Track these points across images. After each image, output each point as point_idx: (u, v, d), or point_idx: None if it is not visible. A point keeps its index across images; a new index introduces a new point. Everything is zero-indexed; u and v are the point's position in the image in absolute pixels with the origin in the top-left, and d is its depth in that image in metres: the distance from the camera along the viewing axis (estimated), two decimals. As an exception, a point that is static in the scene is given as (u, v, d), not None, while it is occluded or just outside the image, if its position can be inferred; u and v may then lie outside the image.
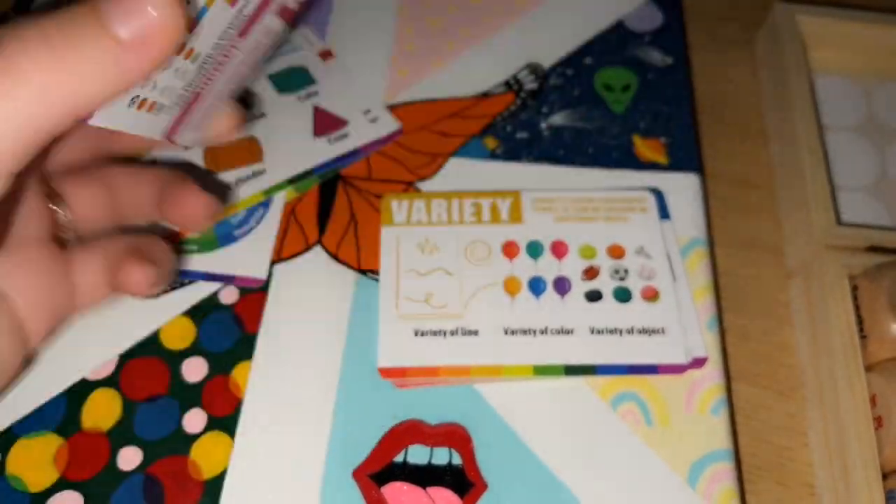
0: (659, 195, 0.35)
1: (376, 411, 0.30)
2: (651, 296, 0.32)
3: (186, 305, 0.32)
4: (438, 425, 0.29)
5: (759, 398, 0.34)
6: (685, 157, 0.36)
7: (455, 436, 0.29)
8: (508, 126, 0.37)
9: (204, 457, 0.29)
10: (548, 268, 0.32)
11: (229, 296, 0.32)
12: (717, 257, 0.37)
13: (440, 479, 0.28)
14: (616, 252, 0.33)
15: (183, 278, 0.32)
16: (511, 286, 0.32)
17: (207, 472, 0.28)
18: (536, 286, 0.32)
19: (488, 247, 0.32)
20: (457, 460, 0.29)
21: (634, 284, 0.32)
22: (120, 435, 0.29)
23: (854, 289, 0.33)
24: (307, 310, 0.32)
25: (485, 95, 0.38)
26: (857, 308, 0.32)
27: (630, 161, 0.36)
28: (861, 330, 0.32)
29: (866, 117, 0.40)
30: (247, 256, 0.33)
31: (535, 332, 0.31)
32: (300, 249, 0.33)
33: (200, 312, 0.32)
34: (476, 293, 0.31)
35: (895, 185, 0.38)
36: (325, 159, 0.35)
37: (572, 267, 0.32)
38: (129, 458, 0.28)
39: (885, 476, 0.29)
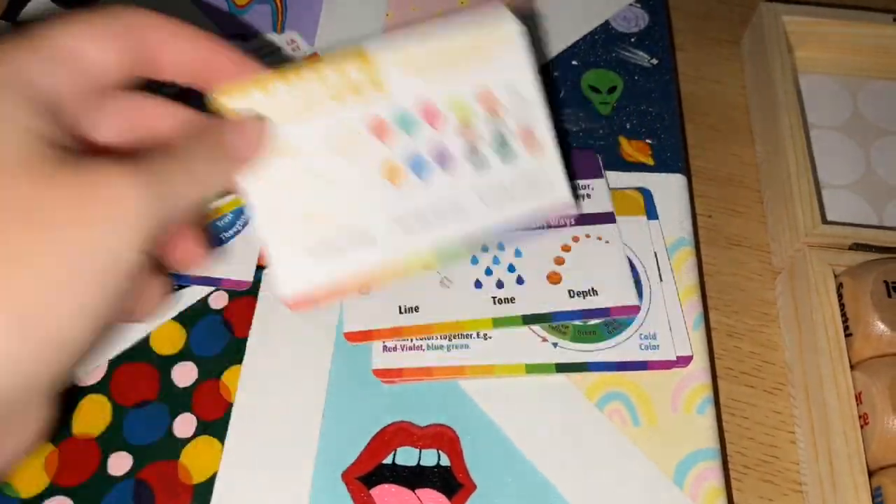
0: (647, 194, 0.35)
1: (365, 414, 0.30)
2: (529, 140, 0.28)
3: (176, 310, 0.32)
4: (427, 427, 0.30)
5: (746, 396, 0.34)
6: (671, 157, 0.36)
7: (443, 437, 0.29)
8: (495, 128, 0.37)
9: (194, 461, 0.29)
10: (426, 140, 0.28)
11: (219, 300, 0.32)
12: (703, 256, 0.37)
13: (429, 481, 0.29)
14: (487, 99, 0.28)
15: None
16: (392, 172, 0.27)
17: (197, 477, 0.28)
18: (418, 165, 0.28)
19: (354, 132, 0.27)
20: (445, 461, 0.29)
21: (511, 131, 0.28)
22: (110, 440, 0.29)
23: (839, 287, 0.33)
24: (296, 314, 0.32)
25: (472, 98, 0.38)
26: (842, 306, 0.33)
27: (616, 162, 0.36)
28: (846, 328, 0.32)
29: (851, 116, 0.41)
30: (234, 260, 0.33)
31: (427, 218, 0.27)
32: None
33: (190, 317, 0.32)
34: (355, 189, 0.27)
35: (880, 182, 0.38)
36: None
37: (449, 131, 0.28)
38: (120, 463, 0.29)
39: (871, 473, 0.29)
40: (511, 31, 0.28)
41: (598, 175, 0.35)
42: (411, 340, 0.31)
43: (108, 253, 0.21)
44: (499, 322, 0.31)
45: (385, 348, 0.31)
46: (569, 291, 0.32)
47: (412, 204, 0.27)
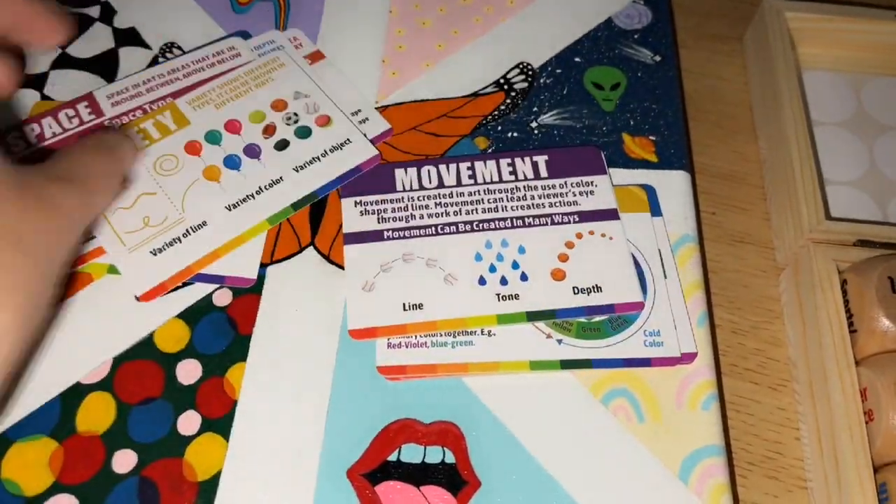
0: (651, 191, 0.35)
1: (370, 411, 0.30)
2: (324, 122, 0.36)
3: (180, 308, 0.32)
4: (431, 424, 0.30)
5: (750, 393, 0.34)
6: (675, 154, 0.36)
7: (448, 434, 0.29)
8: (499, 126, 0.37)
9: (198, 458, 0.29)
10: (233, 144, 0.35)
11: (223, 298, 0.32)
12: (706, 253, 0.37)
13: (434, 478, 0.29)
14: (279, 105, 0.37)
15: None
16: (211, 173, 0.34)
17: (202, 474, 0.28)
18: (232, 162, 0.35)
19: (174, 156, 0.35)
20: (450, 458, 0.29)
21: (308, 121, 0.36)
22: (114, 438, 0.29)
23: (843, 283, 0.33)
24: (301, 311, 0.32)
25: (475, 95, 0.38)
26: (846, 302, 0.33)
27: (620, 159, 0.36)
28: (851, 324, 0.32)
29: (854, 112, 0.41)
30: (237, 257, 0.33)
31: (252, 196, 0.34)
32: (293, 251, 0.34)
33: (194, 315, 0.32)
34: (184, 195, 0.34)
35: (884, 178, 0.38)
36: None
37: (252, 133, 0.36)
38: (124, 460, 0.29)
39: (876, 469, 0.29)
40: (280, 60, 0.38)
41: (602, 172, 0.35)
42: (415, 337, 0.31)
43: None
44: (503, 319, 0.31)
45: (389, 345, 0.31)
46: (573, 288, 0.32)
47: (236, 191, 0.34)
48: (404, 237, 0.33)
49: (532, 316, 0.31)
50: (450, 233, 0.33)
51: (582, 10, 0.42)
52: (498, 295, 0.32)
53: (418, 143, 0.37)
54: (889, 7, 0.41)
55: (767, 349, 0.35)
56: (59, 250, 0.27)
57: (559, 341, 0.31)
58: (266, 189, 0.34)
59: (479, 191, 0.35)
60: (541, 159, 0.35)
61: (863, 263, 0.33)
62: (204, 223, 0.33)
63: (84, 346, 0.31)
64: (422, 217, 0.34)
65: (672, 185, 0.36)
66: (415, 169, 0.35)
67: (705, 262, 0.36)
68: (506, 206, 0.34)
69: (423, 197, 0.34)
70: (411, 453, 0.29)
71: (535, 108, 0.38)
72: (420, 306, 0.31)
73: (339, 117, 0.36)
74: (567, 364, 0.31)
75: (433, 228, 0.34)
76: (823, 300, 0.32)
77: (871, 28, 0.41)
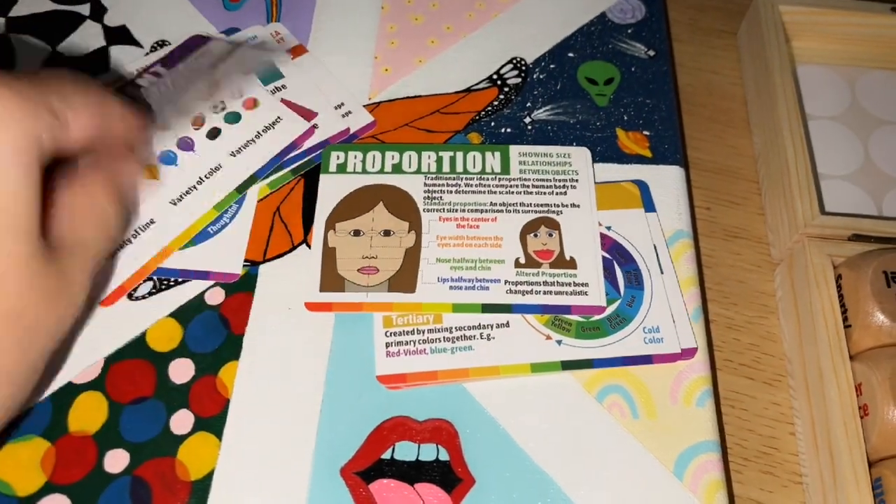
0: (643, 187, 0.35)
1: (363, 409, 0.30)
2: (251, 105, 0.37)
3: (173, 307, 0.32)
4: (425, 422, 0.30)
5: (745, 388, 0.34)
6: (669, 149, 0.36)
7: (442, 432, 0.29)
8: (492, 121, 0.37)
9: (191, 458, 0.29)
10: (164, 141, 0.36)
11: (216, 296, 0.32)
12: (701, 248, 0.37)
13: (428, 475, 0.29)
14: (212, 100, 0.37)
15: (160, 276, 0.32)
16: (151, 173, 0.35)
17: (195, 473, 0.28)
18: (167, 158, 0.35)
19: None
20: (444, 456, 0.29)
21: (235, 106, 0.37)
22: (107, 437, 0.29)
23: (838, 278, 0.33)
24: (293, 309, 0.32)
25: (468, 91, 0.38)
26: (841, 297, 0.32)
27: (614, 154, 0.36)
28: (845, 319, 0.32)
29: (849, 105, 0.40)
30: (221, 252, 0.33)
31: (194, 187, 0.34)
32: (286, 249, 0.33)
33: (187, 314, 0.32)
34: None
35: (878, 172, 0.38)
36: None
37: (182, 128, 0.36)
38: (117, 460, 0.28)
39: (871, 464, 0.29)
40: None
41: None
42: (414, 345, 0.31)
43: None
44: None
45: (388, 354, 0.31)
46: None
47: (177, 185, 0.34)
48: None
49: (567, 365, 0.31)
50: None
51: (575, 5, 0.41)
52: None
53: (411, 139, 0.36)
54: (883, 0, 0.41)
55: (762, 344, 0.35)
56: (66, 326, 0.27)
57: (559, 342, 0.31)
58: (206, 178, 0.35)
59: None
60: None
61: (857, 258, 0.33)
62: (151, 221, 0.34)
63: (76, 345, 0.31)
64: None
65: (666, 180, 0.35)
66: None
67: (700, 257, 0.36)
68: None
69: None
70: (405, 451, 0.29)
71: (528, 104, 0.38)
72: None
73: (265, 97, 0.37)
74: (568, 365, 0.31)
75: None
76: (818, 295, 0.32)
77: (865, 21, 0.41)
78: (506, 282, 0.32)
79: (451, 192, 0.34)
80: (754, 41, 0.41)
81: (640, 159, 0.36)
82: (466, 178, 0.35)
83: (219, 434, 0.29)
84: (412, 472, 0.29)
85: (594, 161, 0.36)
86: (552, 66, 0.39)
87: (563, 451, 0.29)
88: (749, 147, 0.40)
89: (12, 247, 0.24)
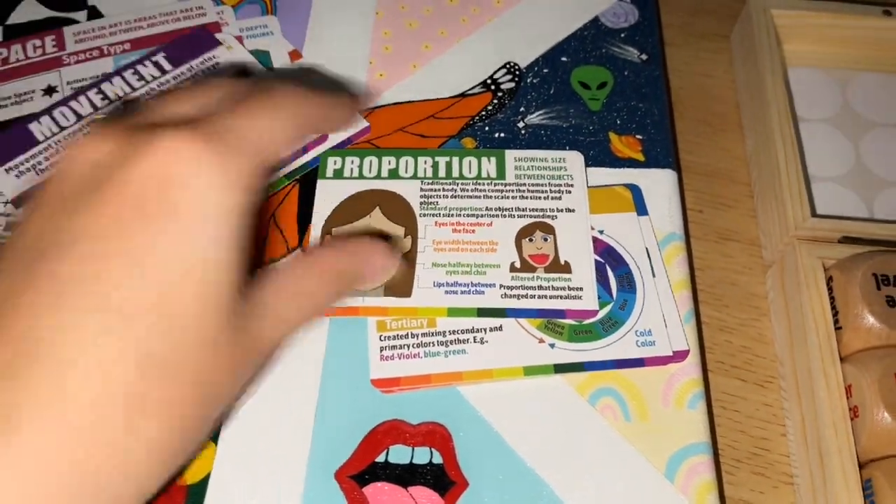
0: (636, 190, 0.35)
1: (357, 412, 0.30)
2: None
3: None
4: (419, 425, 0.30)
5: (737, 390, 0.34)
6: (661, 153, 0.37)
7: (436, 435, 0.30)
8: (486, 126, 0.37)
9: (187, 462, 0.29)
10: None
11: (211, 301, 0.32)
12: (693, 251, 0.37)
13: (421, 479, 0.29)
14: None
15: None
16: None
17: (191, 477, 0.29)
18: None
19: None
20: (438, 459, 0.29)
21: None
22: (104, 442, 0.29)
23: (829, 280, 0.33)
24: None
25: (462, 96, 0.38)
26: (832, 299, 0.33)
27: (606, 158, 0.36)
28: (836, 321, 0.32)
29: (841, 108, 0.41)
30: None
31: None
32: (281, 254, 0.34)
33: (182, 319, 0.32)
34: None
35: (869, 175, 0.39)
36: None
37: None
38: (114, 465, 0.29)
39: (861, 465, 0.30)
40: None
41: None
42: (408, 349, 0.31)
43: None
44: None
45: (382, 357, 0.31)
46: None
47: None
48: None
49: (559, 368, 0.31)
50: None
51: (568, 9, 0.42)
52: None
53: (405, 144, 0.37)
54: (875, 3, 0.41)
55: (754, 346, 0.35)
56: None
57: (551, 345, 0.31)
58: None
59: None
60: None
61: (848, 260, 0.33)
62: None
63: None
64: None
65: (659, 183, 0.36)
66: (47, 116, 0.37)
67: (692, 259, 0.37)
68: None
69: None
70: (399, 454, 0.29)
71: (521, 108, 0.38)
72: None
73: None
74: (561, 368, 0.31)
75: None
76: (809, 297, 0.33)
77: (857, 24, 0.41)
78: (501, 286, 0.32)
79: (448, 196, 0.35)
80: (746, 44, 0.41)
81: (632, 163, 0.36)
82: (462, 183, 0.35)
83: (214, 438, 0.29)
84: (406, 476, 0.29)
85: (587, 165, 0.36)
86: (545, 70, 0.39)
87: (555, 454, 0.29)
88: (741, 150, 0.41)
89: (209, 318, 0.22)
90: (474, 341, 0.31)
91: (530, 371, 0.31)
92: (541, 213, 0.34)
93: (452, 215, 0.34)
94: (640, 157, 0.36)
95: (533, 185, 0.35)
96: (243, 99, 0.25)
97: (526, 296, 0.32)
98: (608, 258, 0.33)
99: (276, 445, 0.29)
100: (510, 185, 0.35)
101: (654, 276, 0.33)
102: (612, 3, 0.42)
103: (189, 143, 0.22)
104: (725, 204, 0.39)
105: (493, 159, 0.36)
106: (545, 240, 0.33)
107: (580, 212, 0.34)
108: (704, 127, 0.41)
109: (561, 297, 0.32)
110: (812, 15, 0.41)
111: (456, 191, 0.35)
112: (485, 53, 0.40)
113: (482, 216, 0.34)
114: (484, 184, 0.35)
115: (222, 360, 0.22)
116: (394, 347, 0.31)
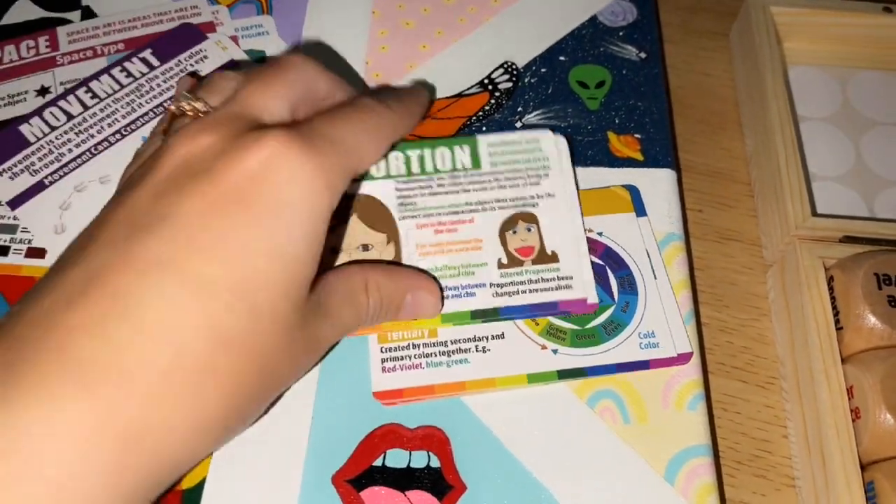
0: (634, 191, 0.35)
1: (354, 416, 0.30)
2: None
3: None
4: (416, 429, 0.30)
5: (738, 391, 0.34)
6: (660, 152, 0.36)
7: (433, 439, 0.29)
8: (484, 126, 0.37)
9: (182, 467, 0.29)
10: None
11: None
12: (693, 251, 0.37)
13: (419, 482, 0.29)
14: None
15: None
16: None
17: (186, 482, 0.28)
18: None
19: None
20: (435, 463, 0.29)
21: None
22: (98, 447, 0.29)
23: (830, 280, 0.33)
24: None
25: (460, 96, 0.38)
26: (833, 299, 0.32)
27: (605, 158, 0.36)
28: (837, 321, 0.32)
29: (841, 106, 0.40)
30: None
31: None
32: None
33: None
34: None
35: (870, 174, 0.38)
36: None
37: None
38: (108, 470, 0.28)
39: (863, 467, 0.29)
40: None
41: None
42: (410, 360, 0.31)
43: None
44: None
45: (384, 370, 0.30)
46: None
47: None
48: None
49: (563, 374, 0.31)
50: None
51: (566, 8, 0.41)
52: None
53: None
54: (875, 0, 0.41)
55: (755, 347, 0.35)
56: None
57: (554, 351, 0.31)
58: None
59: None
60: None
61: (849, 260, 0.33)
62: None
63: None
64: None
65: (658, 183, 0.35)
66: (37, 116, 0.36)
67: (692, 259, 0.36)
68: None
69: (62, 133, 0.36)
70: (396, 458, 0.29)
71: (519, 108, 0.38)
72: None
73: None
74: (564, 374, 0.30)
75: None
76: (809, 298, 0.32)
77: (857, 21, 0.41)
78: (491, 285, 0.31)
79: (425, 194, 0.33)
80: (746, 43, 0.41)
81: (631, 162, 0.36)
82: (438, 179, 0.33)
83: (210, 443, 0.29)
84: (403, 480, 0.29)
85: (586, 165, 0.36)
86: (543, 70, 0.39)
87: (554, 457, 0.29)
88: (741, 149, 0.40)
89: (284, 306, 0.24)
90: (476, 350, 0.31)
91: (534, 378, 0.30)
92: (521, 202, 0.33)
93: (432, 215, 0.32)
94: (639, 157, 0.36)
95: (510, 171, 0.33)
96: (340, 108, 0.28)
97: (516, 292, 0.31)
98: (608, 260, 0.33)
99: (273, 450, 0.29)
100: (486, 174, 0.33)
101: (655, 277, 0.33)
102: (610, 2, 0.41)
103: (291, 147, 0.24)
104: (725, 203, 0.39)
105: (466, 148, 0.34)
106: (529, 230, 0.32)
107: (561, 195, 0.33)
108: (704, 126, 0.41)
109: (551, 290, 0.31)
110: (812, 12, 0.41)
111: (433, 187, 0.33)
112: (482, 53, 0.40)
113: (463, 212, 0.33)
114: (460, 176, 0.33)
115: (287, 348, 0.24)
116: (395, 359, 0.31)
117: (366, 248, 0.32)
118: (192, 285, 0.22)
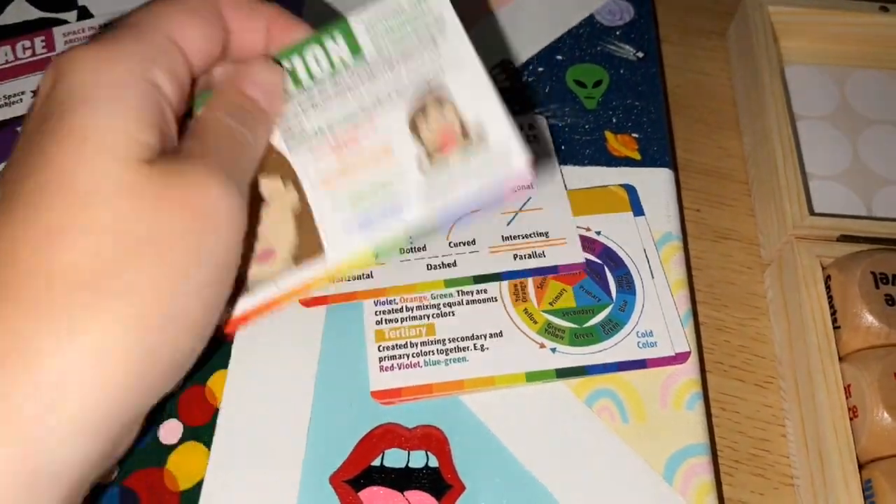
0: (631, 191, 0.35)
1: (352, 417, 0.30)
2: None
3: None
4: (415, 428, 0.29)
5: (736, 390, 0.34)
6: (658, 151, 0.36)
7: (432, 438, 0.29)
8: (481, 125, 0.37)
9: (180, 468, 0.29)
10: None
11: (204, 304, 0.32)
12: (691, 250, 0.37)
13: (417, 482, 0.29)
14: None
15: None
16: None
17: (184, 483, 0.28)
18: None
19: None
20: (433, 462, 0.29)
21: None
22: (96, 448, 0.29)
23: (827, 279, 0.33)
24: (282, 316, 0.32)
25: (457, 95, 0.38)
26: (830, 298, 0.32)
27: (602, 157, 0.36)
28: (834, 320, 0.32)
29: (838, 105, 0.40)
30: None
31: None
32: (274, 256, 0.33)
33: (175, 322, 0.32)
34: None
35: (867, 172, 0.38)
36: None
37: None
38: (105, 471, 0.28)
39: (861, 466, 0.29)
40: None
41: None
42: (408, 358, 0.31)
43: (217, 261, 0.23)
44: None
45: (382, 368, 0.30)
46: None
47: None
48: None
49: (561, 373, 0.30)
50: None
51: (563, 8, 0.41)
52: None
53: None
54: (872, -1, 0.41)
55: (753, 346, 0.35)
56: (212, 264, 0.23)
57: (553, 350, 0.31)
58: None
59: None
60: None
61: (846, 259, 0.33)
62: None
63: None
64: None
65: (655, 182, 0.35)
66: None
67: (689, 259, 0.36)
68: None
69: None
70: (395, 458, 0.29)
71: (516, 107, 0.38)
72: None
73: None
74: (563, 373, 0.30)
75: None
76: (807, 297, 0.32)
77: (854, 20, 0.41)
78: (417, 193, 0.26)
79: (308, 111, 0.27)
80: (743, 42, 0.41)
81: (629, 162, 0.36)
82: (319, 87, 0.27)
83: (208, 444, 0.29)
84: (402, 480, 0.29)
85: (583, 163, 0.36)
86: (541, 69, 0.39)
87: (552, 456, 0.29)
88: (739, 148, 0.40)
89: (111, 168, 0.22)
90: (475, 348, 0.31)
91: (532, 377, 0.30)
92: (425, 83, 0.27)
93: (324, 133, 0.27)
94: (637, 156, 0.36)
95: (399, 51, 0.27)
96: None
97: (448, 190, 0.26)
98: (606, 259, 0.33)
99: (270, 450, 0.29)
100: (373, 62, 0.27)
101: (652, 276, 0.33)
102: (607, 1, 0.41)
103: (85, 50, 0.23)
104: (723, 203, 0.39)
105: (339, 37, 0.28)
106: (442, 110, 0.27)
107: (466, 59, 0.27)
108: (701, 125, 0.41)
109: (485, 176, 0.26)
110: (809, 12, 0.41)
111: (314, 99, 0.27)
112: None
113: (359, 118, 0.27)
114: (344, 76, 0.27)
115: (146, 205, 0.22)
116: (393, 357, 0.31)
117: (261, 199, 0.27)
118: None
